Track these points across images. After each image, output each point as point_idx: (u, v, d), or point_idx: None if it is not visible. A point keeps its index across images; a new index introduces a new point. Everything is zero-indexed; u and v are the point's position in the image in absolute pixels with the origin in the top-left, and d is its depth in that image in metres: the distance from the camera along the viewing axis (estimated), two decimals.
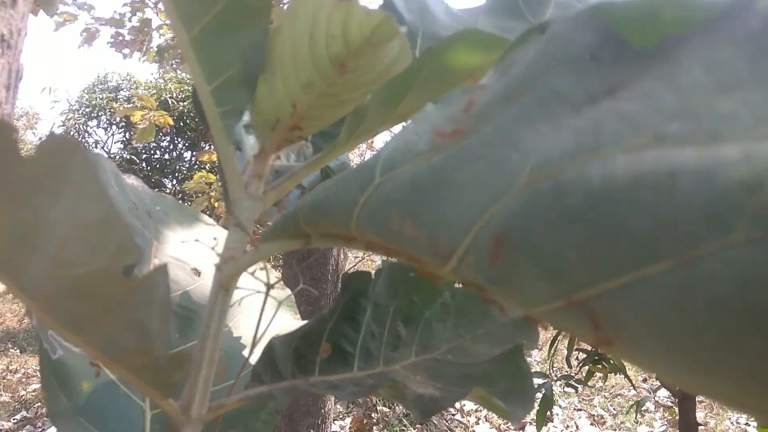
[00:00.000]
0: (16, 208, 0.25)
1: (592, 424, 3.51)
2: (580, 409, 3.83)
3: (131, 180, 0.70)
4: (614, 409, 3.79)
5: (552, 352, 2.49)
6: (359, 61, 0.30)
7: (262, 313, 0.41)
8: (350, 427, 3.08)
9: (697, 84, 0.16)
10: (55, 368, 0.43)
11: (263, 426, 0.46)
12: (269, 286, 0.40)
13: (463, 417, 3.50)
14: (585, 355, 2.50)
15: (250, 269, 0.60)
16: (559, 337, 2.56)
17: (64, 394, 0.43)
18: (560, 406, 3.86)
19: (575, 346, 2.57)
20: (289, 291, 0.68)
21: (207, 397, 0.38)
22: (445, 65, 0.35)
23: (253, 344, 0.40)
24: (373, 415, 3.20)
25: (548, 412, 2.57)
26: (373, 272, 0.46)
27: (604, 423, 3.58)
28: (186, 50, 0.35)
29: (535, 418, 2.51)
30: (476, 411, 3.58)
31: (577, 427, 3.46)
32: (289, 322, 0.65)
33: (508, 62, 0.23)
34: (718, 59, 0.16)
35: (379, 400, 3.43)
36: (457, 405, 3.63)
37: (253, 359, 0.44)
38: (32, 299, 0.29)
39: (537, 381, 2.58)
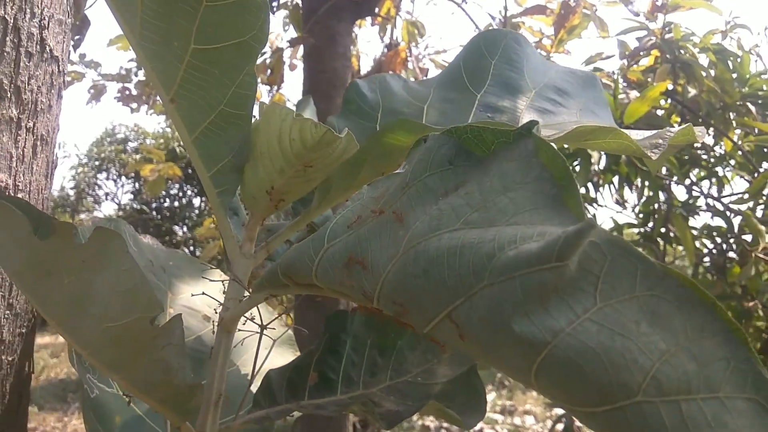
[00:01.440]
0: (72, 281, 0.37)
1: None
2: None
3: (147, 239, 0.82)
4: None
5: None
6: (315, 154, 0.41)
7: (258, 348, 0.52)
8: None
9: (492, 186, 0.27)
10: (93, 405, 0.55)
11: None
12: (263, 327, 0.51)
13: None
14: None
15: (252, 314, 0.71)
16: None
17: (101, 426, 0.54)
18: None
19: None
20: (289, 331, 0.79)
21: (217, 421, 0.49)
22: (388, 144, 0.47)
23: (252, 376, 0.51)
24: None
25: None
26: (349, 311, 0.57)
27: None
28: (189, 148, 0.47)
29: None
30: None
31: None
32: (289, 357, 0.76)
33: (408, 160, 0.35)
34: (506, 170, 0.28)
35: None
36: None
37: (255, 388, 0.55)
38: (83, 347, 0.41)
39: (557, 411, 2.64)
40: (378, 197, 0.35)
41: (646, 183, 1.89)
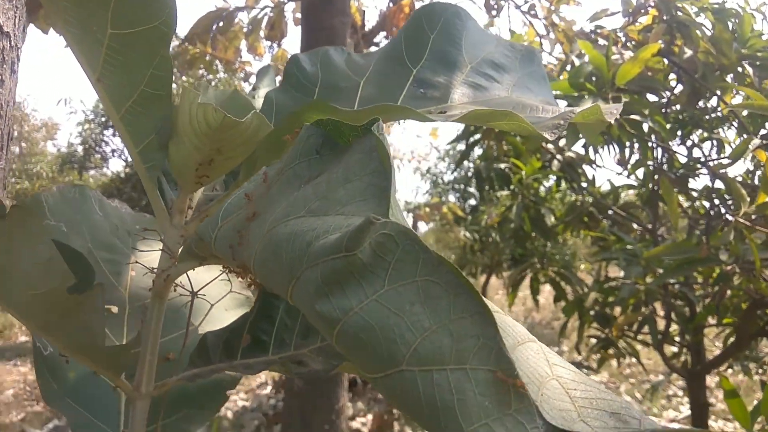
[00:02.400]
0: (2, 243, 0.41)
1: None
2: None
3: (115, 203, 0.87)
4: (641, 395, 3.88)
5: (560, 339, 2.61)
6: (222, 135, 0.45)
7: (190, 312, 0.57)
8: (371, 425, 3.25)
9: (337, 177, 0.31)
10: (46, 361, 0.60)
11: (209, 402, 0.62)
12: (193, 294, 0.55)
13: None
14: (595, 341, 2.62)
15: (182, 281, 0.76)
16: (568, 325, 2.68)
17: (54, 382, 0.60)
18: None
19: (585, 333, 2.68)
20: (249, 293, 0.84)
21: (152, 379, 0.54)
22: (305, 117, 0.50)
23: (185, 339, 0.56)
24: (394, 411, 3.36)
25: None
26: None
27: None
28: (117, 125, 0.51)
29: None
30: None
31: None
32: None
33: (289, 147, 0.38)
34: (351, 162, 0.31)
35: None
36: None
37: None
38: (15, 311, 0.45)
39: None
40: (265, 180, 0.39)
41: (637, 145, 1.90)
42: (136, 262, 0.74)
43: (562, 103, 1.93)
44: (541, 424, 0.23)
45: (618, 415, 0.26)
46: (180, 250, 0.54)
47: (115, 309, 0.72)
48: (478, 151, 3.37)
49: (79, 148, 9.36)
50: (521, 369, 0.24)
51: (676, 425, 3.34)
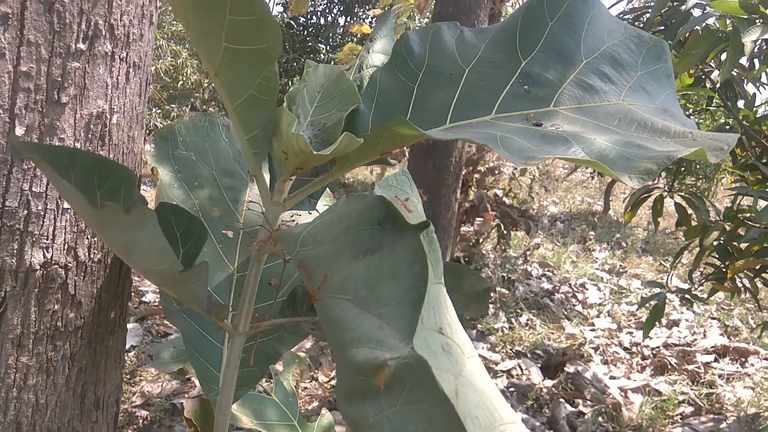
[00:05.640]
0: (121, 234, 0.50)
1: (721, 334, 3.51)
2: (716, 318, 3.81)
3: None
4: (755, 322, 3.72)
5: (675, 264, 2.52)
6: (313, 157, 0.49)
7: (283, 273, 0.64)
8: None
9: (386, 270, 0.34)
10: None
11: (289, 338, 0.72)
12: (285, 261, 0.63)
13: (584, 309, 3.67)
14: (712, 271, 2.51)
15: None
16: (685, 252, 2.56)
17: (174, 301, 0.72)
18: (694, 312, 3.86)
19: (702, 260, 2.56)
20: None
21: (249, 321, 0.64)
22: (395, 133, 0.52)
23: (279, 288, 0.65)
24: (491, 294, 3.50)
25: (660, 318, 2.65)
26: None
27: (738, 336, 3.56)
28: (231, 114, 0.56)
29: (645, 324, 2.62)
30: (599, 305, 3.72)
31: (704, 335, 3.49)
32: None
33: (364, 204, 0.41)
34: (401, 257, 0.34)
35: (499, 282, 3.71)
36: (580, 297, 3.80)
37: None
38: (139, 273, 0.55)
39: (654, 290, 2.66)
40: (336, 229, 0.43)
41: None
42: (250, 202, 0.82)
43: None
44: None
45: None
46: (278, 224, 0.61)
47: (230, 234, 0.82)
48: None
49: None
50: None
51: None
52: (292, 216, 0.71)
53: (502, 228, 3.79)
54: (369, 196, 0.40)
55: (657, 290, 2.57)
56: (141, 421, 2.74)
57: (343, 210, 0.43)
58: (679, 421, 2.82)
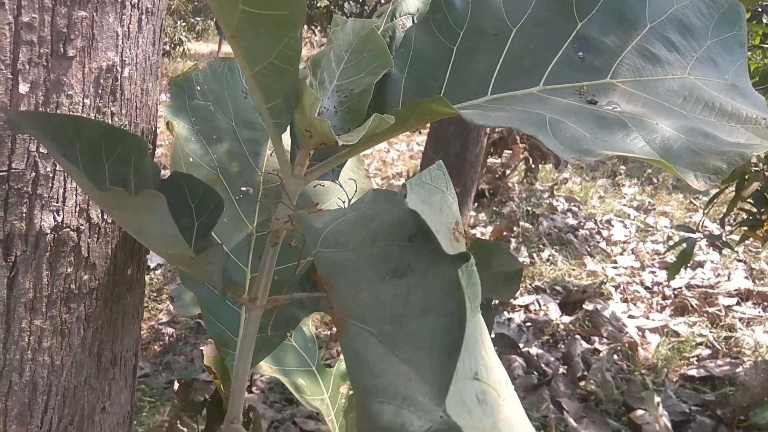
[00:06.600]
0: (131, 216, 0.46)
1: (746, 278, 3.45)
2: (742, 261, 3.74)
3: None
4: None
5: (707, 209, 2.43)
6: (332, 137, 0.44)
7: (302, 250, 0.60)
8: (490, 235, 3.39)
9: (417, 301, 0.30)
10: None
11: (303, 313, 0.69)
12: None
13: (608, 246, 3.63)
14: (745, 217, 2.43)
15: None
16: (720, 197, 2.47)
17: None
18: (720, 254, 3.80)
19: (737, 206, 2.48)
20: (372, 184, 0.86)
21: (266, 295, 0.61)
22: (429, 108, 0.47)
23: (297, 267, 0.61)
24: (514, 228, 3.46)
25: (687, 263, 2.60)
26: None
27: (763, 279, 3.50)
28: (249, 80, 0.50)
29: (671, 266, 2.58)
30: (623, 243, 3.67)
31: (728, 278, 3.44)
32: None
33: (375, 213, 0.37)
34: (434, 287, 0.30)
35: (523, 217, 3.65)
36: (605, 233, 3.74)
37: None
38: (152, 248, 0.51)
39: (683, 234, 2.59)
40: (360, 234, 0.38)
41: None
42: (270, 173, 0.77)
43: None
44: None
45: None
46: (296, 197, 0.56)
47: (250, 190, 0.77)
48: None
49: None
50: None
51: None
52: (315, 186, 0.66)
53: (530, 161, 3.69)
54: (399, 203, 0.36)
55: (686, 234, 2.51)
56: (167, 338, 2.83)
57: (370, 210, 0.39)
58: (695, 363, 2.82)
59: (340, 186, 0.68)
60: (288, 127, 0.53)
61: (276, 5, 0.41)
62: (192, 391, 0.95)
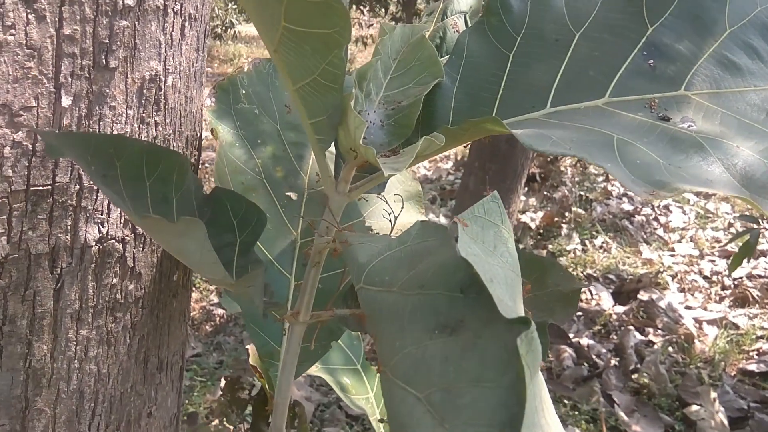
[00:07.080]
0: (172, 240, 0.44)
1: None
2: None
3: None
4: None
5: None
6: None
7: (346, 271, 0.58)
8: (540, 221, 3.31)
9: (469, 366, 0.27)
10: None
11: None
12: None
13: (665, 233, 3.49)
14: None
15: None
16: None
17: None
18: None
19: None
20: (419, 187, 0.83)
21: (309, 311, 0.59)
22: (481, 128, 0.43)
23: (340, 283, 0.59)
24: (566, 214, 3.36)
25: (750, 255, 2.48)
26: None
27: None
28: (292, 94, 0.48)
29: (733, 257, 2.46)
30: (682, 230, 3.53)
31: None
32: (414, 214, 0.82)
33: (425, 259, 0.34)
34: (489, 352, 0.27)
35: (576, 202, 3.54)
36: (662, 220, 3.60)
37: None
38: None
39: (746, 224, 2.46)
40: (406, 274, 0.35)
41: None
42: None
43: None
44: None
45: None
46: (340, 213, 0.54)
47: (294, 196, 0.76)
48: None
49: None
50: None
51: None
52: (359, 198, 0.64)
53: None
54: (449, 245, 0.32)
55: (750, 225, 2.38)
56: (218, 318, 2.89)
57: (417, 246, 0.36)
58: (755, 357, 2.70)
59: (385, 201, 0.65)
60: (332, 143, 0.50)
61: (320, 24, 0.38)
62: (239, 388, 0.95)
